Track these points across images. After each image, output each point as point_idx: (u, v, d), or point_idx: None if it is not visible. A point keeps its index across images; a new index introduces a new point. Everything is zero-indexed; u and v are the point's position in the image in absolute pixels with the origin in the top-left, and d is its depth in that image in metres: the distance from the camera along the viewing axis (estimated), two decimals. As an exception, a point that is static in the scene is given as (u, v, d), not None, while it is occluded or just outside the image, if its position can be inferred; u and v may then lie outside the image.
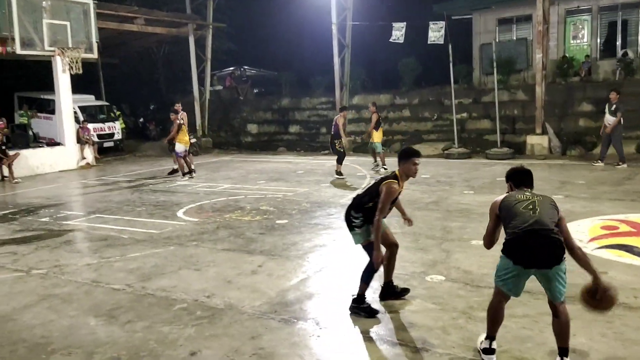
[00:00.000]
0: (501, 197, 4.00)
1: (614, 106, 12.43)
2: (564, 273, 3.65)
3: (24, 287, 5.85)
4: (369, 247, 4.80)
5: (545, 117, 15.39)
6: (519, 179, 4.12)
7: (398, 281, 5.49)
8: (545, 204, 3.79)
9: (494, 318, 3.92)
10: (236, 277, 5.87)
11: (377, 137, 13.85)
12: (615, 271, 5.55)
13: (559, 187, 10.30)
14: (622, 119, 12.39)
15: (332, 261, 6.37)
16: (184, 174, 13.65)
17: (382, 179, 4.75)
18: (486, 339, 3.96)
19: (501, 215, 3.89)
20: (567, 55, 19.20)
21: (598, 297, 3.70)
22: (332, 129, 13.29)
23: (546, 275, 3.65)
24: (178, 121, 13.76)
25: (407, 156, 4.73)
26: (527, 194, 3.92)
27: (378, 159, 13.82)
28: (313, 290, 5.43)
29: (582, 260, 3.72)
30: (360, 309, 4.77)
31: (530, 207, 3.75)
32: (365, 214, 4.80)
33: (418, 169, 4.76)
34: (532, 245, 3.60)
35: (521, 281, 3.80)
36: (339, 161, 12.90)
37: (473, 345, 4.12)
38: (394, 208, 5.02)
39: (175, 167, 14.15)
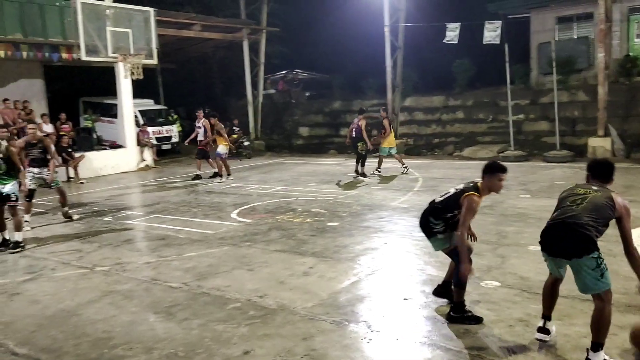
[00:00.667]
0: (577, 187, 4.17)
1: None
2: (591, 269, 3.73)
3: (88, 284, 6.13)
4: (453, 253, 4.74)
5: (607, 118, 14.76)
6: (596, 171, 4.17)
7: (451, 286, 5.42)
8: (596, 201, 3.85)
9: (544, 295, 4.23)
10: (288, 278, 5.94)
11: (387, 142, 13.93)
12: (684, 281, 5.26)
13: (623, 192, 9.81)
14: None
15: (384, 264, 6.35)
16: (229, 174, 14.07)
17: (463, 191, 4.65)
18: (542, 317, 4.18)
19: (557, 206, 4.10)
20: (630, 54, 18.33)
21: None
22: (354, 132, 13.56)
23: (572, 265, 3.85)
24: (219, 125, 14.16)
25: (493, 171, 4.57)
26: (588, 188, 3.99)
27: (387, 162, 14.16)
28: (364, 293, 5.43)
29: (635, 265, 3.84)
30: (465, 318, 4.59)
31: (579, 201, 3.88)
32: (445, 222, 4.77)
33: (503, 185, 4.62)
34: (551, 235, 3.92)
35: (556, 265, 4.06)
36: (362, 163, 13.39)
37: (530, 355, 4.01)
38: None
39: (216, 170, 14.30)
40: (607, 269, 3.84)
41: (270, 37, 25.03)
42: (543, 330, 4.15)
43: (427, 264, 6.23)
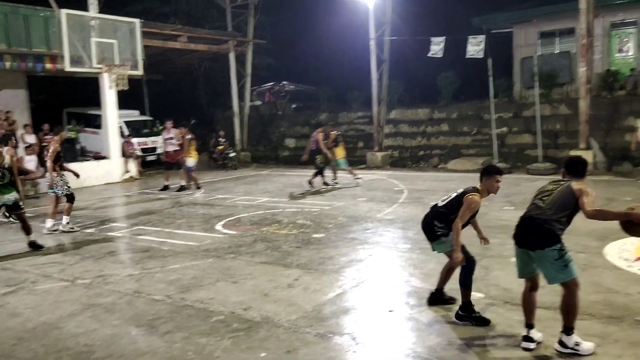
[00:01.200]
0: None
1: None
2: (554, 259, 4.08)
3: (69, 296, 6.04)
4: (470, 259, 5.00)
5: (589, 131, 14.98)
6: (569, 167, 4.55)
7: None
8: (560, 193, 4.26)
9: (523, 304, 4.45)
10: (273, 290, 5.92)
11: (339, 154, 14.20)
12: (664, 292, 5.34)
13: (605, 204, 9.96)
14: None
15: (369, 276, 6.35)
16: (198, 187, 14.11)
17: (464, 192, 4.96)
18: (525, 326, 4.39)
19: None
20: (612, 68, 18.69)
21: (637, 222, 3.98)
22: (313, 145, 13.87)
23: (535, 257, 4.21)
24: (189, 136, 14.09)
25: (491, 173, 4.96)
26: (557, 184, 4.38)
27: (341, 173, 14.31)
28: (349, 305, 5.42)
29: (597, 214, 4.11)
30: (471, 318, 4.78)
31: (546, 196, 4.32)
32: (449, 224, 4.97)
33: (500, 186, 4.96)
34: (520, 227, 4.35)
35: (523, 262, 4.40)
36: (317, 174, 13.76)
37: (513, 365, 4.03)
38: (471, 226, 5.27)
39: (183, 183, 14.25)
40: (571, 260, 4.18)
41: (257, 49, 25.11)
42: (528, 339, 4.34)
43: (412, 276, 6.25)
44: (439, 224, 5.03)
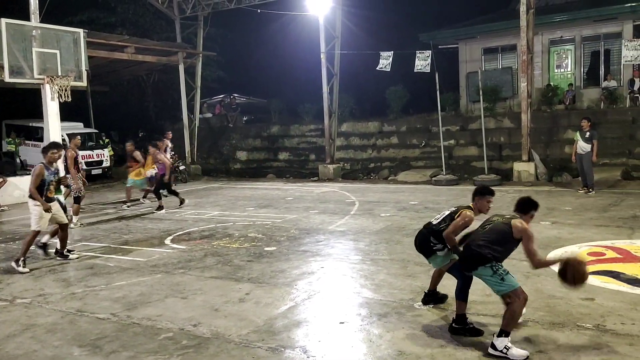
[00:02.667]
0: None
1: (588, 133, 12.63)
2: (489, 276, 4.58)
3: (8, 317, 5.74)
4: (453, 268, 5.23)
5: (531, 144, 15.58)
6: (516, 205, 5.08)
7: (387, 309, 5.48)
8: (496, 226, 4.81)
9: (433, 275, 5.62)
10: (223, 305, 5.81)
11: (134, 174, 13.79)
12: (602, 298, 5.57)
13: (546, 214, 10.37)
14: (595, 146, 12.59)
15: (321, 288, 6.34)
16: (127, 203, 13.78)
17: (458, 209, 5.36)
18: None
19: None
20: (551, 83, 19.58)
21: (569, 276, 4.51)
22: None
23: (476, 275, 4.73)
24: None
25: (484, 194, 5.35)
26: (500, 216, 4.98)
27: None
28: (301, 318, 5.39)
29: (542, 265, 4.80)
30: (466, 330, 4.88)
31: (486, 226, 4.88)
32: (444, 240, 5.20)
33: (490, 207, 5.38)
34: (463, 253, 4.93)
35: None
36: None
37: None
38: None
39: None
40: (507, 273, 4.55)
41: (207, 61, 24.88)
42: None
43: (363, 287, 6.28)
44: (435, 241, 5.29)
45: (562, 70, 20.24)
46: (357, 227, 9.94)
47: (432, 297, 5.61)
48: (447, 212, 5.41)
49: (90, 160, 20.19)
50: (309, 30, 20.80)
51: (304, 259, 7.70)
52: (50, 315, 5.73)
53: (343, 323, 5.20)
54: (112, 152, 22.27)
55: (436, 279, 5.59)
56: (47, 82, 14.91)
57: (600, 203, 11.36)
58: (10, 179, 15.36)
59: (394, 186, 16.14)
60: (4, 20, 13.76)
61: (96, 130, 22.45)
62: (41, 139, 18.38)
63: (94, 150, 20.70)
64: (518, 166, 15.52)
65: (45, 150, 8.16)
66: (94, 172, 20.21)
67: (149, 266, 7.62)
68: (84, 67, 15.67)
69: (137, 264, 7.79)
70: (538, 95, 18.81)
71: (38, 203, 7.84)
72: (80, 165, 17.55)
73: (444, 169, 16.57)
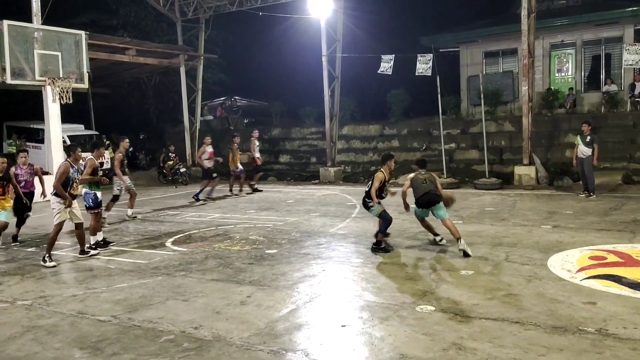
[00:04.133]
0: (411, 175, 8.53)
1: (589, 137, 12.63)
2: (441, 208, 8.05)
3: (9, 319, 5.74)
4: (382, 215, 8.20)
5: (532, 148, 15.59)
6: (419, 164, 8.67)
7: (388, 312, 5.48)
8: (431, 178, 8.23)
9: (426, 227, 8.64)
10: (225, 308, 5.80)
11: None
12: (604, 302, 5.56)
13: (547, 217, 10.37)
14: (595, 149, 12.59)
15: (322, 291, 6.33)
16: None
17: (373, 173, 8.77)
18: (434, 235, 8.58)
19: (412, 185, 8.33)
20: (552, 87, 19.58)
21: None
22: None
23: (432, 210, 8.11)
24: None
25: (387, 158, 8.49)
26: (424, 174, 8.29)
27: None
28: (302, 321, 5.38)
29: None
30: (380, 249, 8.10)
31: (425, 181, 8.16)
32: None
33: (393, 165, 8.52)
34: (424, 199, 8.09)
35: (423, 213, 8.37)
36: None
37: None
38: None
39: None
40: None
41: (208, 63, 24.91)
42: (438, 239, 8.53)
43: (364, 290, 6.27)
44: (368, 199, 8.26)
45: (563, 74, 20.26)
46: (359, 230, 9.94)
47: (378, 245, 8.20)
48: (372, 178, 8.32)
49: (91, 162, 20.13)
50: (310, 33, 20.84)
51: (305, 262, 7.69)
52: (51, 317, 5.72)
53: (345, 326, 5.20)
54: (112, 154, 22.24)
55: (381, 224, 8.26)
56: (49, 84, 14.96)
57: (601, 207, 11.35)
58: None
59: (395, 189, 16.09)
60: (5, 22, 13.81)
61: (97, 133, 22.44)
62: (42, 141, 18.42)
63: (95, 153, 20.65)
64: (519, 170, 15.52)
65: (70, 149, 8.59)
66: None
67: (150, 268, 7.62)
68: (85, 69, 15.73)
69: (138, 266, 7.78)
70: (539, 99, 18.81)
71: (61, 199, 8.13)
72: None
73: (444, 173, 16.56)
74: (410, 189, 8.31)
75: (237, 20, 26.86)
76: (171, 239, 9.63)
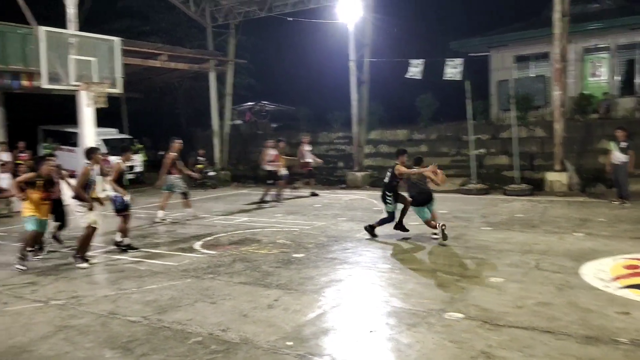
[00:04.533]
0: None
1: (624, 144, 12.32)
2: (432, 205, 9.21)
3: (42, 318, 5.89)
4: (390, 212, 9.36)
5: (564, 154, 15.28)
6: (416, 161, 9.63)
7: (416, 318, 5.44)
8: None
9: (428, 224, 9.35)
10: (252, 311, 5.84)
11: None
12: (638, 311, 5.41)
13: (580, 225, 10.15)
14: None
15: (349, 297, 6.32)
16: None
17: (392, 167, 9.33)
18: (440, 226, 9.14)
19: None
20: (585, 92, 19.16)
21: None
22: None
23: (429, 206, 9.29)
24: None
25: (400, 154, 9.47)
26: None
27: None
28: (329, 325, 5.38)
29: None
30: (370, 233, 9.51)
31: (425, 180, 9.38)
32: (394, 193, 9.31)
33: (406, 159, 9.37)
34: (425, 197, 9.35)
35: (422, 210, 9.24)
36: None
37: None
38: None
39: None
40: None
41: (237, 68, 25.16)
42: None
43: (392, 296, 6.23)
44: (389, 193, 9.27)
45: (597, 78, 19.80)
46: (386, 235, 9.89)
47: (400, 227, 9.46)
48: (389, 173, 9.31)
49: (123, 165, 20.53)
50: (338, 38, 20.85)
51: (332, 267, 7.69)
52: (83, 317, 5.85)
53: (372, 332, 5.18)
54: (145, 158, 22.67)
55: (401, 215, 9.41)
56: (83, 89, 15.30)
57: (635, 215, 11.05)
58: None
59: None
60: (42, 29, 14.20)
61: (130, 136, 22.90)
62: (76, 144, 18.86)
63: (127, 156, 21.06)
64: (550, 176, 15.23)
65: (90, 152, 8.72)
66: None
67: (179, 270, 7.72)
68: (119, 74, 16.05)
69: (167, 268, 7.90)
70: (571, 104, 18.42)
71: (82, 203, 8.28)
72: (111, 169, 17.70)
73: (474, 178, 16.37)
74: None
75: (266, 26, 27.08)
76: (200, 242, 9.75)
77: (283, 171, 15.53)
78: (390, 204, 9.24)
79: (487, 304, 5.79)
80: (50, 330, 5.50)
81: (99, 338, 5.24)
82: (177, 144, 12.84)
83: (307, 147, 16.79)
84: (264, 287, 6.76)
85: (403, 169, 9.08)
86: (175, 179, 12.38)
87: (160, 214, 12.34)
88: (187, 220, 12.18)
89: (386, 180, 9.29)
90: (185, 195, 12.57)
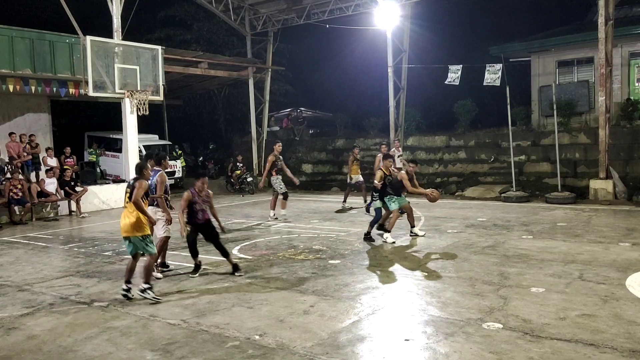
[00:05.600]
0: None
1: None
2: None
3: (86, 319, 6.07)
4: (377, 210, 10.25)
5: (609, 161, 14.81)
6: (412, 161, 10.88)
7: (454, 328, 5.36)
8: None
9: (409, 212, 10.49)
10: (288, 317, 5.88)
11: None
12: (689, 326, 5.19)
13: (626, 235, 9.81)
14: None
15: (385, 304, 6.28)
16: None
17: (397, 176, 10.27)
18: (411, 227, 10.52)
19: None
20: (631, 98, 18.54)
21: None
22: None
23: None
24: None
25: (386, 157, 10.62)
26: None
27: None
28: (365, 333, 5.36)
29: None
30: (368, 239, 10.04)
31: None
32: (379, 193, 10.18)
33: (390, 164, 10.38)
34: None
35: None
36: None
37: (533, 399, 3.93)
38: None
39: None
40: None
41: (275, 75, 25.44)
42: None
43: (428, 304, 6.17)
44: (375, 193, 10.23)
45: (644, 83, 19.13)
46: (423, 242, 9.80)
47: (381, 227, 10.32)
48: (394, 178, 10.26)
49: (163, 171, 20.99)
50: (375, 44, 20.86)
51: (368, 274, 7.66)
52: (125, 319, 6.00)
53: (408, 340, 5.13)
54: (184, 164, 23.12)
55: (386, 216, 10.24)
56: (127, 96, 15.76)
57: (686, 225, 10.61)
58: (91, 188, 16.30)
59: (462, 202, 15.79)
60: (89, 38, 14.70)
61: (170, 142, 23.42)
62: (120, 150, 19.40)
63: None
64: (595, 184, 14.79)
65: (161, 158, 8.23)
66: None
67: (217, 275, 7.83)
68: (161, 82, 16.46)
69: (206, 272, 8.02)
70: (617, 110, 17.84)
71: (161, 209, 7.87)
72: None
73: (514, 185, 16.03)
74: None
75: (303, 33, 27.33)
76: (238, 247, 9.87)
77: (358, 178, 15.25)
78: (376, 200, 10.22)
79: (527, 314, 5.66)
80: (93, 331, 5.66)
81: (140, 340, 5.37)
82: (278, 146, 13.27)
83: (397, 152, 15.80)
84: (300, 293, 6.79)
85: (380, 175, 10.14)
86: (275, 179, 12.86)
87: (280, 212, 13.06)
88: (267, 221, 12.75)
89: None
90: (284, 195, 12.92)
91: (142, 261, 6.96)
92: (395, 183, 10.08)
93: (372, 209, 10.79)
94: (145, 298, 6.61)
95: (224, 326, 5.63)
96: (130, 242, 6.80)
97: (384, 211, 10.28)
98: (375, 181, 10.07)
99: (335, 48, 28.41)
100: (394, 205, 10.00)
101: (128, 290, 6.78)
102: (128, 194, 6.85)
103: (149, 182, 7.29)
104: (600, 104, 14.86)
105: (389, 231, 9.94)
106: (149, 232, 6.85)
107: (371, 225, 10.23)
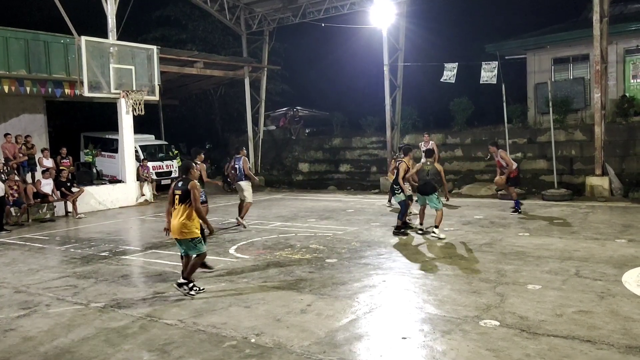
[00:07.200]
0: (419, 164, 10.63)
1: None
2: (435, 198, 10.02)
3: (83, 320, 6.05)
4: (402, 202, 10.52)
5: (605, 157, 14.85)
6: (426, 153, 10.73)
7: (451, 325, 5.37)
8: (434, 170, 10.08)
9: (421, 214, 10.60)
10: (285, 316, 5.88)
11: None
12: (685, 322, 5.21)
13: (622, 231, 9.84)
14: None
15: (382, 302, 6.28)
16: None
17: (397, 166, 10.79)
18: (420, 223, 10.58)
19: (417, 174, 10.32)
20: (627, 94, 18.60)
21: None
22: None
23: (427, 198, 10.12)
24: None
25: (409, 151, 10.79)
26: (428, 165, 10.20)
27: None
28: (362, 331, 5.37)
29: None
30: (400, 232, 10.35)
31: (427, 172, 10.05)
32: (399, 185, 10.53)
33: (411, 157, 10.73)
34: (423, 187, 10.12)
35: (422, 200, 10.30)
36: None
37: (530, 396, 3.94)
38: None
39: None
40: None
41: (271, 74, 25.43)
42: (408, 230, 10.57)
43: (425, 302, 6.17)
44: (395, 186, 10.54)
45: (639, 80, 19.19)
46: (420, 240, 9.81)
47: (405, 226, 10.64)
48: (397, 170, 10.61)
49: (160, 171, 21.01)
50: (371, 43, 20.85)
51: (365, 272, 7.67)
52: (122, 320, 5.99)
53: (405, 338, 5.14)
54: (180, 163, 23.08)
55: (421, 216, 10.60)
56: (123, 97, 15.74)
57: (682, 221, 10.65)
58: (87, 189, 16.26)
59: (458, 200, 15.80)
60: (83, 38, 14.68)
61: (166, 142, 23.39)
62: (116, 150, 19.37)
63: (164, 162, 21.53)
64: (591, 181, 14.83)
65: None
66: (163, 182, 21.00)
67: (214, 275, 7.82)
68: (156, 81, 16.44)
69: (202, 272, 8.00)
70: (612, 107, 17.89)
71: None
72: (149, 175, 18.26)
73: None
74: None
75: (299, 32, 27.32)
76: (234, 246, 9.86)
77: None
78: (399, 194, 10.54)
79: (524, 311, 5.68)
80: (90, 332, 5.65)
81: (137, 340, 5.36)
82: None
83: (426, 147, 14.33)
84: (297, 292, 6.79)
85: (404, 168, 10.45)
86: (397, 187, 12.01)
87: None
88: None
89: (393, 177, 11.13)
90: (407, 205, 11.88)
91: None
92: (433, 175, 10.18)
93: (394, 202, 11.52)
94: (189, 293, 6.71)
95: (221, 326, 5.63)
96: (181, 245, 6.88)
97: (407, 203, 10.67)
98: (400, 177, 10.45)
99: (331, 47, 28.40)
100: (440, 205, 10.13)
101: (183, 285, 6.83)
102: (178, 196, 6.75)
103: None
104: (596, 100, 14.89)
105: (437, 226, 9.97)
106: (198, 235, 6.81)
107: (399, 218, 10.57)
